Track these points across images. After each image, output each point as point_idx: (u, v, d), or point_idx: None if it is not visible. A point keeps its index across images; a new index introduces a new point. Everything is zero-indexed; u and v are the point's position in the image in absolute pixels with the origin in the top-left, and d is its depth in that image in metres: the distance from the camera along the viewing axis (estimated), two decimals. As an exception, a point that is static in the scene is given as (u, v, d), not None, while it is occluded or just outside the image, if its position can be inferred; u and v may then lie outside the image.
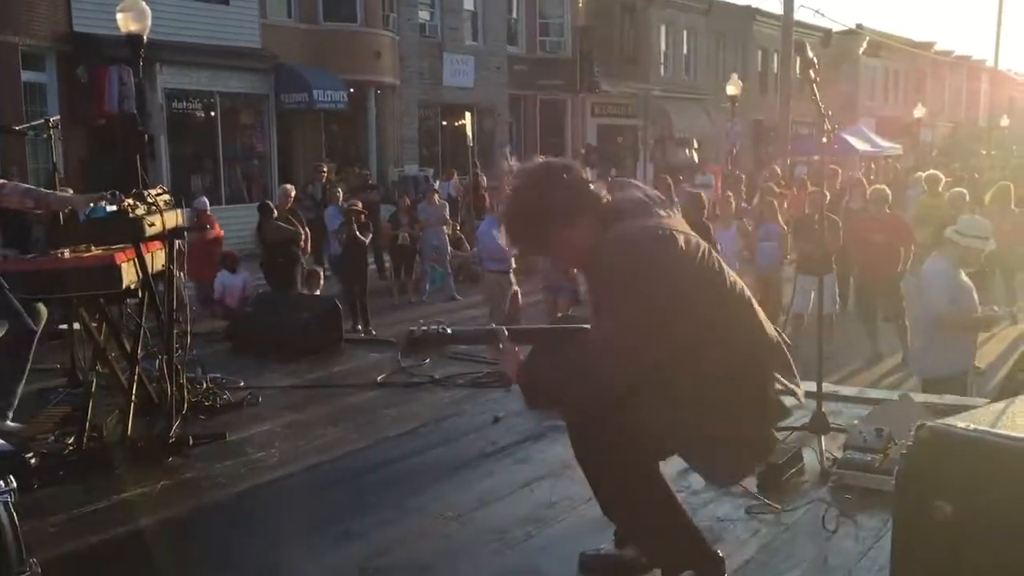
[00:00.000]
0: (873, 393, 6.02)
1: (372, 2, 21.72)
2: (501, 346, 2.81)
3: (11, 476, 2.33)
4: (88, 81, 16.18)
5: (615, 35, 30.09)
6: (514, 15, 27.61)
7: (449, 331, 2.90)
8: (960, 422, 1.87)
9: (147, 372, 5.09)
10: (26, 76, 15.52)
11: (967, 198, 10.19)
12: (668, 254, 2.62)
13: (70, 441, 4.56)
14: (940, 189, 11.76)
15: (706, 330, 2.68)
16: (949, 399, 5.29)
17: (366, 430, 5.17)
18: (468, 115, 24.37)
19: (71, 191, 7.86)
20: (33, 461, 4.26)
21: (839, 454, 4.16)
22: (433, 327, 2.92)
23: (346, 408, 5.66)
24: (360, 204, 13.11)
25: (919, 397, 5.25)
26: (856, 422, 4.46)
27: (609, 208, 2.76)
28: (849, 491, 3.90)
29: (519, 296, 9.94)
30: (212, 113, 18.99)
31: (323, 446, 4.88)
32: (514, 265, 9.78)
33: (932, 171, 13.22)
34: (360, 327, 11.19)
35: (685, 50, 34.94)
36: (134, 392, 4.73)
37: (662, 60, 33.57)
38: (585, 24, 28.23)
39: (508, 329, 2.88)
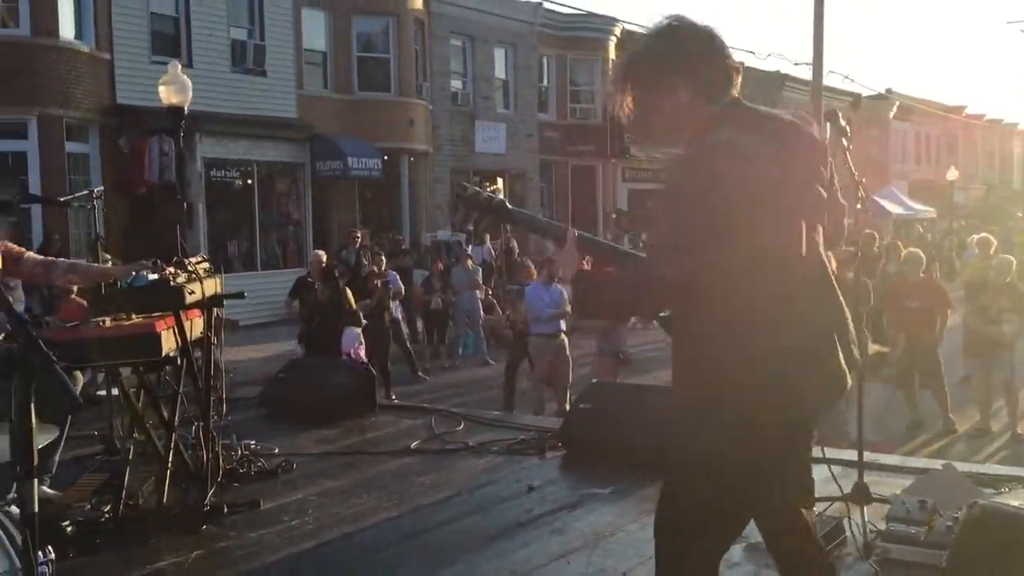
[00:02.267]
0: (915, 462, 5.91)
1: (406, 72, 22.16)
2: (566, 246, 2.65)
3: (49, 547, 2.34)
4: (130, 151, 16.58)
5: (646, 101, 30.34)
6: (545, 83, 28.00)
7: (508, 206, 2.79)
8: (1013, 500, 1.82)
9: (183, 439, 5.11)
10: (70, 147, 15.93)
11: (1013, 266, 10.01)
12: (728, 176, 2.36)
13: (106, 509, 4.57)
14: (992, 252, 11.52)
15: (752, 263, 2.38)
16: (993, 468, 5.18)
17: (400, 498, 5.15)
18: (500, 181, 24.60)
19: (109, 259, 8.06)
20: (70, 529, 4.27)
21: (882, 526, 4.07)
22: (490, 194, 2.81)
23: (380, 475, 5.64)
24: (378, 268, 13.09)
25: (963, 466, 5.14)
26: (899, 493, 4.36)
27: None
28: (893, 565, 3.81)
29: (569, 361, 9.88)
30: (249, 181, 19.32)
31: (357, 514, 4.86)
32: (564, 327, 9.77)
33: (984, 234, 12.96)
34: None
35: (715, 115, 35.08)
36: (170, 459, 4.76)
37: (692, 125, 33.79)
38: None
39: (578, 234, 2.70)
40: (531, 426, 6.88)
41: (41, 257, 4.93)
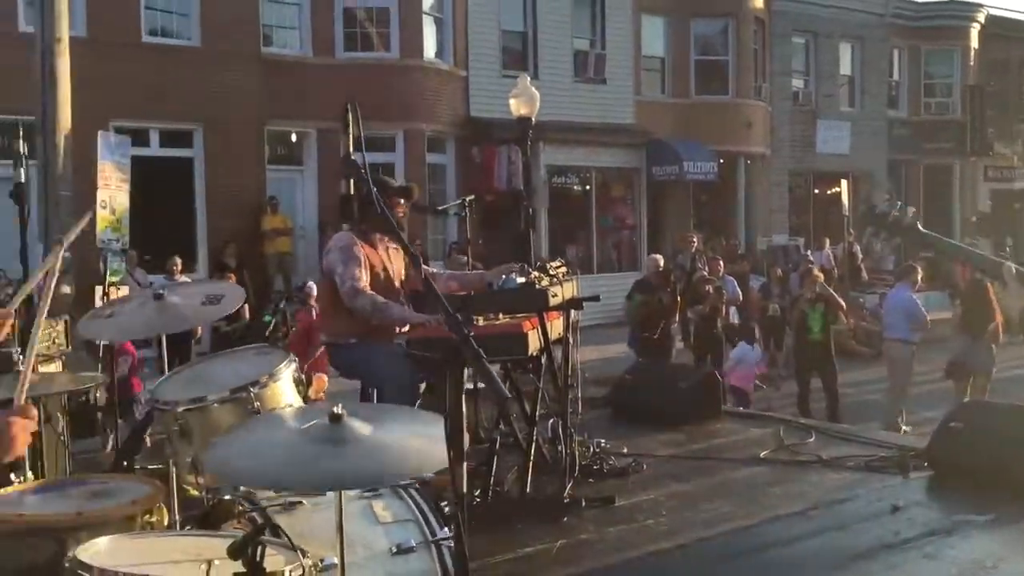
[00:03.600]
0: None
1: (744, 74, 21.77)
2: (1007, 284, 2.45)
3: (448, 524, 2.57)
4: (480, 161, 17.76)
5: (1012, 92, 27.50)
6: (895, 77, 26.24)
7: (920, 227, 2.53)
8: None
9: (541, 433, 5.38)
10: (430, 158, 17.39)
11: None
12: None
13: (477, 493, 4.92)
14: None
15: None
16: None
17: (752, 507, 5.06)
18: (843, 183, 23.44)
19: (467, 260, 8.73)
20: (447, 509, 4.64)
21: None
22: (899, 214, 2.55)
23: (729, 482, 5.59)
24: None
25: None
26: None
27: None
28: None
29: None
30: (587, 187, 19.96)
31: (710, 519, 4.84)
32: (917, 339, 9.18)
33: None
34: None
35: (1098, 104, 31.05)
36: (532, 451, 5.03)
37: (1069, 117, 30.12)
38: (976, 83, 26.13)
39: (1016, 270, 2.46)
40: (887, 442, 6.49)
41: (427, 267, 5.45)
